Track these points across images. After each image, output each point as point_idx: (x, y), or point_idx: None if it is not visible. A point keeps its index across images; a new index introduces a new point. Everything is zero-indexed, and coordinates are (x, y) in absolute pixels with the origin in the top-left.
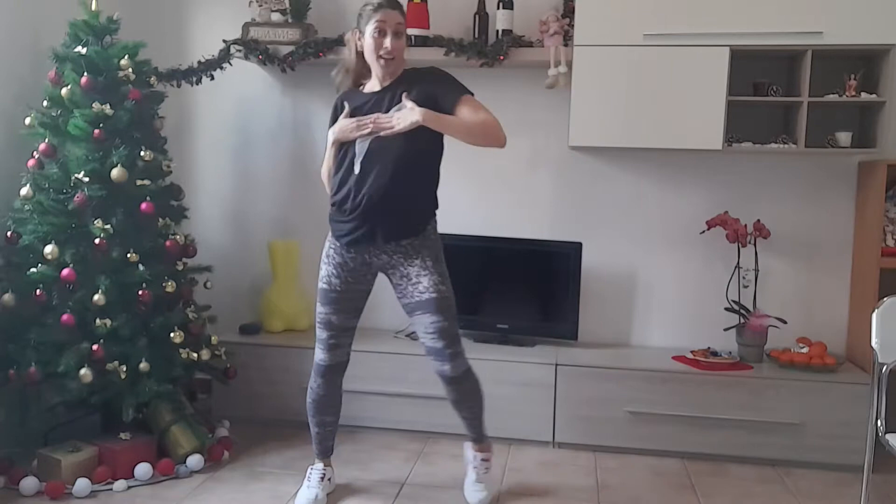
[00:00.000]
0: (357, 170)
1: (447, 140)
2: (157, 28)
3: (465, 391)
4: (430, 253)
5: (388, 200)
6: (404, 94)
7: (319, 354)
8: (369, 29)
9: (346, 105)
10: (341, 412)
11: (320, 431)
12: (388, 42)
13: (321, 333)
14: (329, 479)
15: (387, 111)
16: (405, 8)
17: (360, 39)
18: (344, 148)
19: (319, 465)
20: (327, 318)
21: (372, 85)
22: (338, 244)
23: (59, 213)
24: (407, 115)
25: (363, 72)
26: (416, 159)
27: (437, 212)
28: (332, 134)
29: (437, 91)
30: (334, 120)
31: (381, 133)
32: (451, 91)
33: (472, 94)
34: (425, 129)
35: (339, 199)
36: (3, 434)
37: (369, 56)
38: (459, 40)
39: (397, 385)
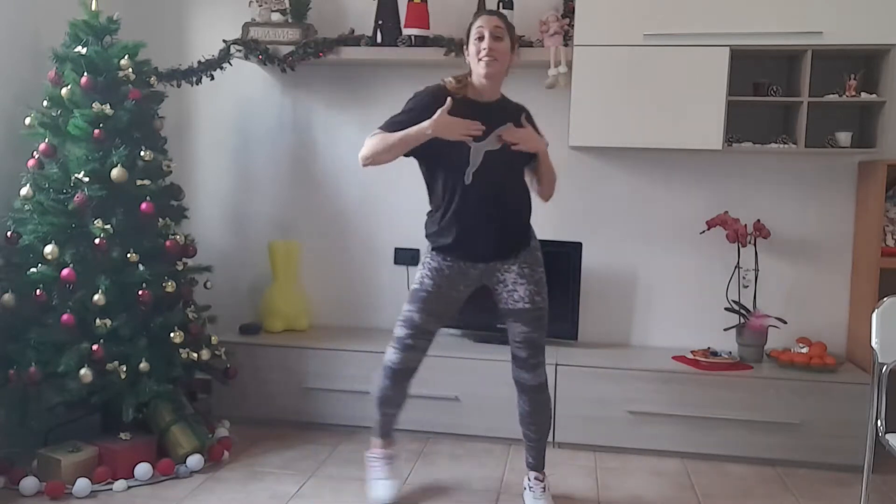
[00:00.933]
0: (469, 180)
1: None
2: (157, 28)
3: (539, 403)
4: (528, 259)
5: (505, 215)
6: (523, 117)
7: (391, 356)
8: (471, 37)
9: (449, 101)
10: (343, 412)
11: (382, 420)
12: (485, 43)
13: (399, 331)
14: (393, 459)
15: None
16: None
17: (467, 51)
18: (438, 153)
19: (379, 449)
20: (410, 315)
21: (475, 94)
22: (439, 265)
23: (59, 213)
24: (535, 139)
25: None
26: (521, 177)
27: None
28: (432, 123)
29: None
30: (426, 108)
31: (495, 146)
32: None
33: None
34: (525, 155)
35: (453, 210)
36: (3, 434)
37: (473, 61)
38: (459, 40)
39: None
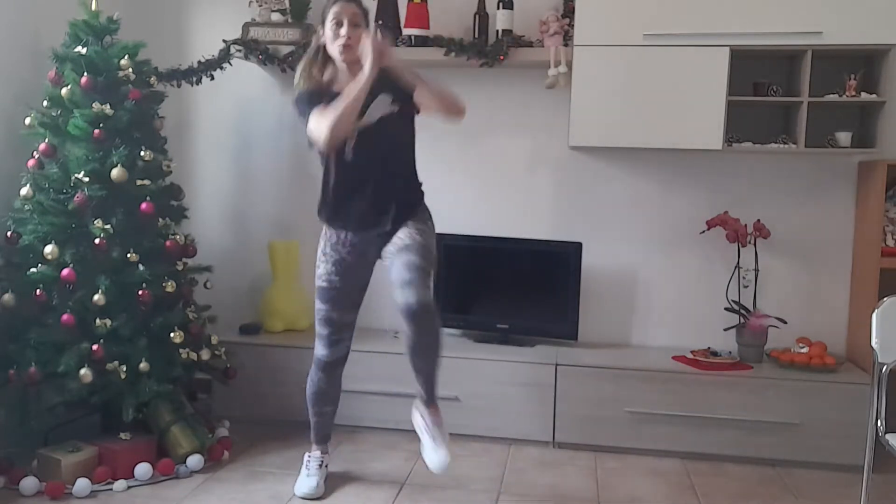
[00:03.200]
0: (351, 156)
1: (452, 142)
2: (157, 28)
3: (426, 330)
4: (416, 220)
5: (396, 182)
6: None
7: (321, 350)
8: (328, 23)
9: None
10: (343, 412)
11: (319, 420)
12: (343, 30)
13: (322, 330)
14: (326, 466)
15: (365, 107)
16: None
17: (322, 35)
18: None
19: (317, 453)
20: (328, 315)
21: (342, 83)
22: (337, 238)
23: (59, 213)
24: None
25: (325, 71)
26: (407, 144)
27: (433, 208)
28: (374, 62)
29: (397, 80)
30: (311, 94)
31: (383, 111)
32: (410, 79)
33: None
34: (408, 119)
35: (345, 184)
36: (3, 434)
37: (331, 48)
38: (459, 40)
39: (397, 385)
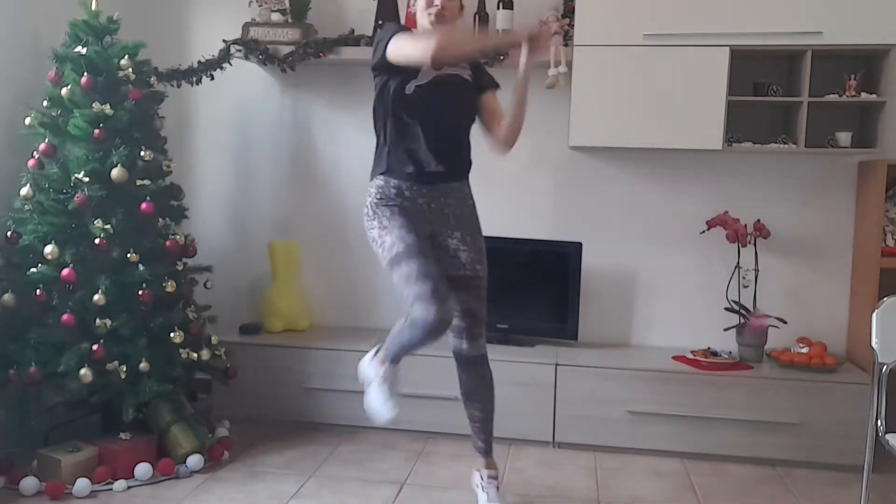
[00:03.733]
0: (413, 94)
1: None
2: (157, 28)
3: (480, 377)
4: (470, 227)
5: (452, 139)
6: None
7: (424, 312)
8: None
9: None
10: (343, 412)
11: (401, 353)
12: (439, 1)
13: (423, 286)
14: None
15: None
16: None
17: (413, 4)
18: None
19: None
20: (424, 269)
21: None
22: (397, 191)
23: (59, 213)
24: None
25: None
26: (468, 114)
27: None
28: (528, 33)
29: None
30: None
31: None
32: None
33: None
34: (475, 99)
35: (402, 125)
36: (3, 434)
37: (421, 16)
38: None
39: None
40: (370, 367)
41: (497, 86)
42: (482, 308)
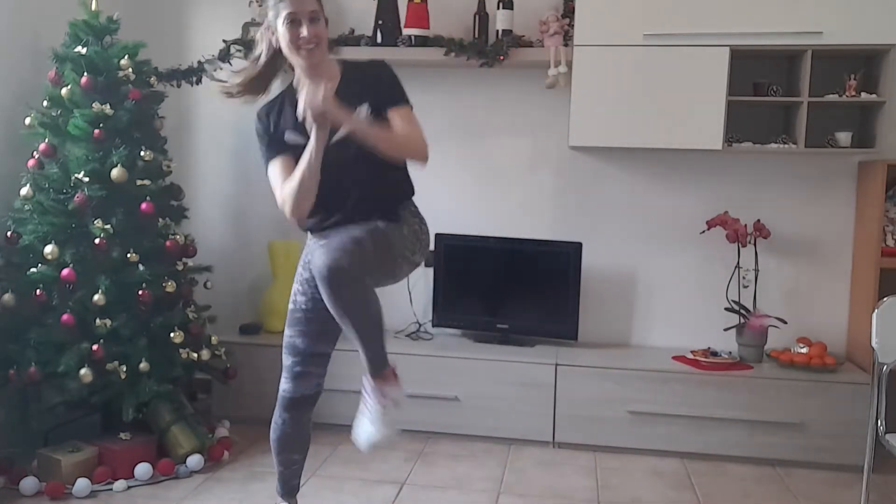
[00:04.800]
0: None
1: (452, 142)
2: (157, 28)
3: (340, 295)
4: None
5: (369, 180)
6: (362, 108)
7: (284, 384)
8: (280, 23)
9: (280, 122)
10: (343, 411)
11: (285, 471)
12: (304, 30)
13: (286, 359)
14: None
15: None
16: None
17: (273, 34)
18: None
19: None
20: (291, 341)
21: (310, 83)
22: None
23: (59, 213)
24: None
25: (275, 75)
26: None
27: (434, 207)
28: (315, 116)
29: (379, 93)
30: (268, 134)
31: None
32: (393, 95)
33: (411, 107)
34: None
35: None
36: (3, 434)
37: (287, 50)
38: (459, 40)
39: None
40: (387, 387)
41: (398, 102)
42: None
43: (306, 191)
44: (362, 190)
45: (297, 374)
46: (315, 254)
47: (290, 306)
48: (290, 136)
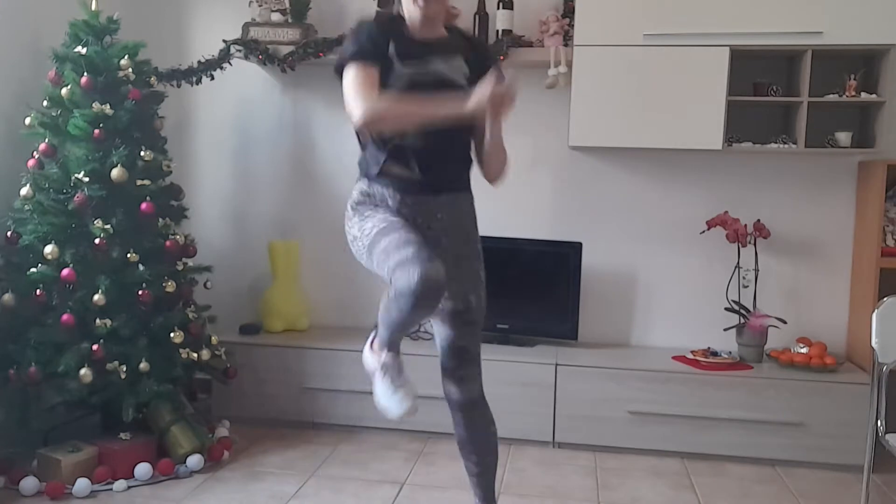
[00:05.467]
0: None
1: None
2: (157, 28)
3: (473, 425)
4: (464, 248)
5: (448, 151)
6: (506, 72)
7: (408, 277)
8: None
9: (392, 45)
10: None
11: (396, 336)
12: None
13: (405, 251)
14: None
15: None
16: None
17: None
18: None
19: (390, 360)
20: (405, 236)
21: (419, 31)
22: (382, 197)
23: (59, 213)
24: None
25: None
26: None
27: None
28: (477, 102)
29: (485, 61)
30: (373, 43)
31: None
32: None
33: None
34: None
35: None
36: (3, 434)
37: (408, 1)
38: None
39: None
40: (370, 357)
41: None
42: (474, 346)
43: (401, 122)
44: (454, 161)
45: (427, 257)
46: (444, 341)
47: (378, 227)
48: (400, 68)
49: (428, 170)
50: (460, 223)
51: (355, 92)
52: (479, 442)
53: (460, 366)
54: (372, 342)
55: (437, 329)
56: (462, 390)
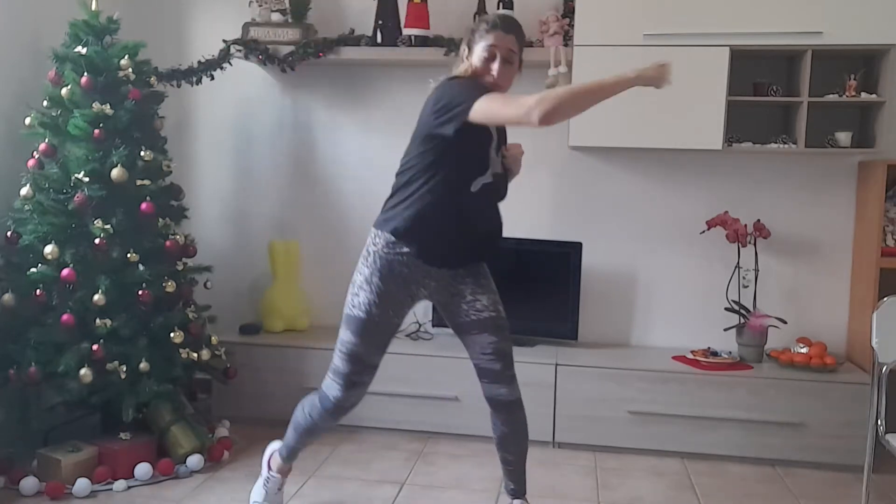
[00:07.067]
0: (476, 188)
1: None
2: (157, 28)
3: (516, 423)
4: (483, 270)
5: (491, 226)
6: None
7: (335, 391)
8: (479, 49)
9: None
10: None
11: (298, 449)
12: (495, 67)
13: (343, 366)
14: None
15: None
16: (504, 28)
17: (468, 57)
18: (462, 145)
19: (277, 475)
20: (356, 350)
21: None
22: (400, 264)
23: (59, 213)
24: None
25: None
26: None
27: None
28: (646, 71)
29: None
30: (479, 88)
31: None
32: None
33: None
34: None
35: (450, 209)
36: (3, 434)
37: (476, 66)
38: (459, 40)
39: (397, 385)
40: (271, 457)
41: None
42: (511, 347)
43: (578, 108)
44: (488, 233)
45: (354, 384)
46: (479, 351)
47: (360, 315)
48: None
49: (464, 257)
50: (461, 274)
51: (505, 104)
52: (521, 436)
53: (508, 366)
54: (281, 449)
55: (476, 340)
56: (512, 389)
